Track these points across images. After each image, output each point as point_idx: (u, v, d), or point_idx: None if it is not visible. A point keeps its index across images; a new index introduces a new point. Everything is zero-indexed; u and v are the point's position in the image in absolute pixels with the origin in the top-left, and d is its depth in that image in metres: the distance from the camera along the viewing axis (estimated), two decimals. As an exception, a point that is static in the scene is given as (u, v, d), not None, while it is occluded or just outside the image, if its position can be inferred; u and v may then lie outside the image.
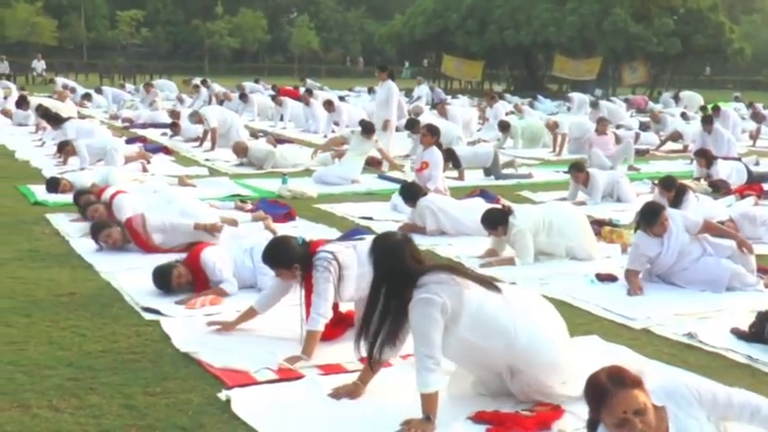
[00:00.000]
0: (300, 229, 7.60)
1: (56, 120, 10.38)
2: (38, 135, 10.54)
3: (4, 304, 5.19)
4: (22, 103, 16.13)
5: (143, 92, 23.55)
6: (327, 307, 4.36)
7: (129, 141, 13.98)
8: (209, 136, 13.58)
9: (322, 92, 25.77)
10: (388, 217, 8.25)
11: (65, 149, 11.17)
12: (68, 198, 8.63)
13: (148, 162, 11.35)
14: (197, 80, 26.57)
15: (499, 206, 6.97)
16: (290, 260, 4.45)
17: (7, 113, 16.02)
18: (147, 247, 6.47)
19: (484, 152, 11.59)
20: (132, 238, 6.54)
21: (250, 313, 4.70)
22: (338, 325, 4.64)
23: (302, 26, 62.44)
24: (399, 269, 3.55)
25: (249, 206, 8.30)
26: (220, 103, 20.92)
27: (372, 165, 11.42)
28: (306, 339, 4.32)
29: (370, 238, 4.90)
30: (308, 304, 4.45)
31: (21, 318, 4.92)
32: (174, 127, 15.22)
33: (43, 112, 10.60)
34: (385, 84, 11.78)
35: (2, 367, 4.15)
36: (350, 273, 4.48)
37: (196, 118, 14.37)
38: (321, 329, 4.32)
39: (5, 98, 21.16)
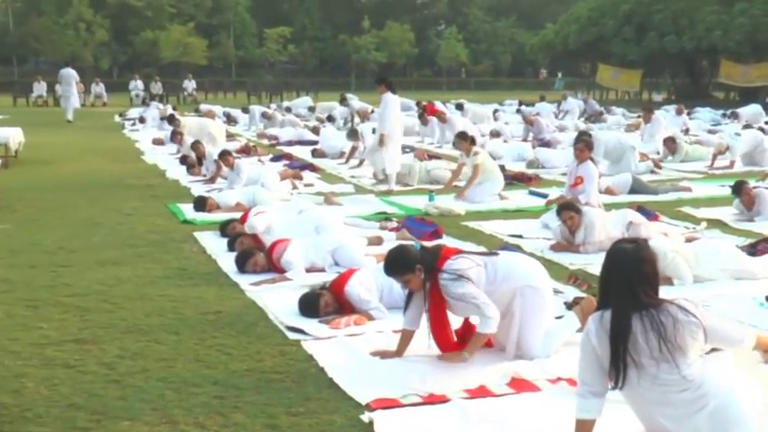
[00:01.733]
0: (447, 248, 7.64)
1: (230, 160, 10.87)
2: (212, 184, 11.18)
3: (154, 321, 5.48)
4: (172, 127, 16.87)
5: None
6: (493, 308, 4.44)
7: (274, 159, 14.50)
8: (356, 152, 13.89)
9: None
10: (539, 235, 8.13)
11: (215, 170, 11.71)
12: (215, 217, 9.06)
13: (300, 179, 11.73)
14: (351, 95, 27.18)
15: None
16: (412, 261, 4.53)
17: (159, 142, 16.87)
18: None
19: (622, 181, 11.10)
20: (272, 266, 6.72)
21: (407, 335, 4.73)
22: (462, 341, 4.67)
23: (450, 38, 62.82)
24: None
25: (394, 224, 8.40)
26: (362, 120, 21.34)
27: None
28: (474, 340, 4.46)
29: (503, 255, 4.87)
30: (434, 314, 4.54)
31: (170, 335, 5.18)
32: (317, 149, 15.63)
33: (222, 155, 11.24)
34: (384, 97, 11.52)
35: (152, 384, 4.37)
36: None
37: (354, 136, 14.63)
38: (494, 331, 4.46)
39: (162, 119, 22.39)
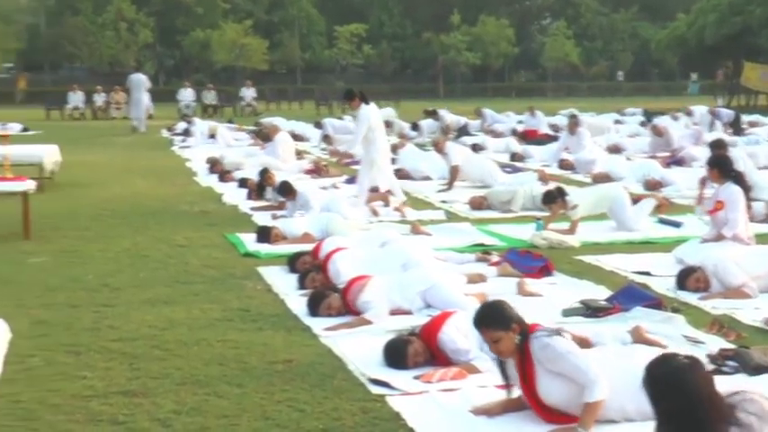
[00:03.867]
0: (560, 286, 7.64)
1: (291, 192, 11.09)
2: (277, 213, 11.42)
3: (214, 371, 5.61)
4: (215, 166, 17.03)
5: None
6: (596, 369, 4.47)
7: (349, 181, 14.67)
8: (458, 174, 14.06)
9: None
10: (671, 272, 8.04)
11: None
12: (281, 249, 9.23)
13: (386, 204, 11.87)
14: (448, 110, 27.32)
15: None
16: (510, 318, 4.58)
17: (221, 172, 16.87)
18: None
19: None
20: (347, 309, 6.81)
21: (513, 402, 4.80)
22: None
23: (558, 34, 62.72)
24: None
25: (494, 258, 8.42)
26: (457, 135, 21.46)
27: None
28: (588, 412, 4.43)
29: (607, 329, 4.89)
30: (530, 382, 4.57)
31: (232, 388, 5.30)
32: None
33: (281, 188, 11.48)
34: (359, 111, 11.93)
35: (213, 444, 4.49)
36: None
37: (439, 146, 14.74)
38: (605, 396, 4.45)
39: (212, 136, 22.90)
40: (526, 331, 4.59)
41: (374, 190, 12.18)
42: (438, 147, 14.71)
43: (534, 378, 4.59)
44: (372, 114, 12.07)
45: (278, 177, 13.09)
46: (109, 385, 5.39)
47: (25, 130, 27.20)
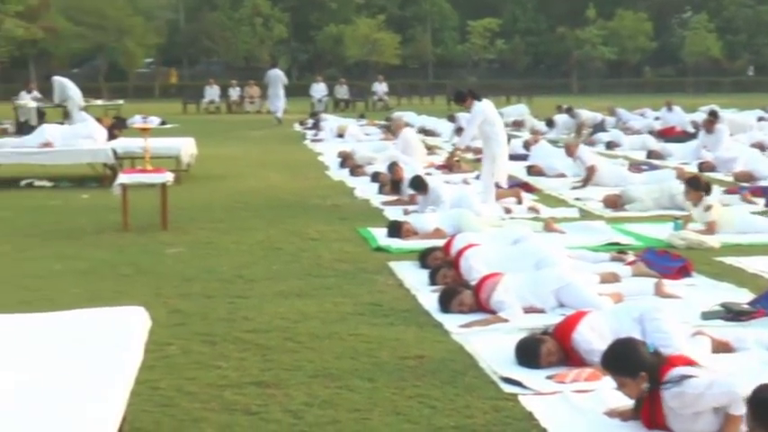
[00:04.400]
0: (699, 288, 7.44)
1: (423, 186, 11.16)
2: (409, 208, 11.51)
3: (345, 365, 5.67)
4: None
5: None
6: (740, 380, 4.33)
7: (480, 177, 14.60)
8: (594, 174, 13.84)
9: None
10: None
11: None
12: (412, 244, 9.26)
13: (520, 202, 11.80)
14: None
15: None
16: (637, 365, 4.45)
17: (352, 167, 16.93)
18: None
19: None
20: (479, 306, 6.78)
21: None
22: None
23: (698, 28, 61.08)
24: None
25: (630, 258, 8.26)
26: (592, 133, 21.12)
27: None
28: (733, 423, 4.25)
29: (749, 334, 4.72)
30: (653, 421, 4.45)
31: (364, 382, 5.35)
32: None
33: (414, 182, 11.56)
34: (472, 109, 11.94)
35: (344, 438, 4.53)
36: None
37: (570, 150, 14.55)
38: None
39: (340, 135, 23.09)
40: (656, 379, 4.41)
41: (497, 186, 12.14)
42: (569, 150, 14.48)
43: (664, 419, 4.44)
44: (487, 110, 12.07)
45: (406, 172, 13.17)
46: (242, 375, 5.50)
47: (163, 123, 28.08)
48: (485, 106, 12.09)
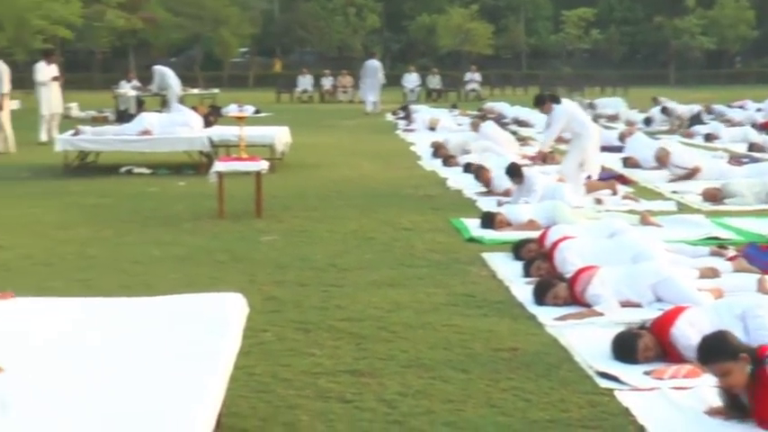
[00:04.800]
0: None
1: (519, 174, 11.08)
2: (502, 199, 11.39)
3: (439, 356, 5.67)
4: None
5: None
6: None
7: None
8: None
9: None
10: None
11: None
12: (505, 235, 9.21)
13: (614, 193, 11.65)
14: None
15: None
16: (736, 348, 4.38)
17: (445, 157, 16.85)
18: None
19: None
20: (574, 299, 6.71)
21: None
22: None
23: (803, 17, 59.35)
24: None
25: (731, 253, 8.08)
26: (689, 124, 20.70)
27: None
28: None
29: None
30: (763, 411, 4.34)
31: (457, 373, 5.34)
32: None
33: (510, 170, 11.51)
34: (552, 113, 11.98)
35: (439, 428, 4.53)
36: None
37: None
38: None
39: (432, 129, 22.99)
40: (757, 358, 4.34)
41: (588, 178, 12.02)
42: (661, 161, 14.02)
43: None
44: (569, 109, 12.20)
45: (497, 164, 13.10)
46: (337, 364, 5.54)
47: (257, 112, 28.39)
48: (566, 107, 12.16)
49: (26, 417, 3.05)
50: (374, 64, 32.00)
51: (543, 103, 12.15)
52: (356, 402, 4.89)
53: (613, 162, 15.38)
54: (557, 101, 12.08)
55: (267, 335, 6.07)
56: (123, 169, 15.09)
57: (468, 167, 14.08)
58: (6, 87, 18.47)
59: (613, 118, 25.83)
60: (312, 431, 4.52)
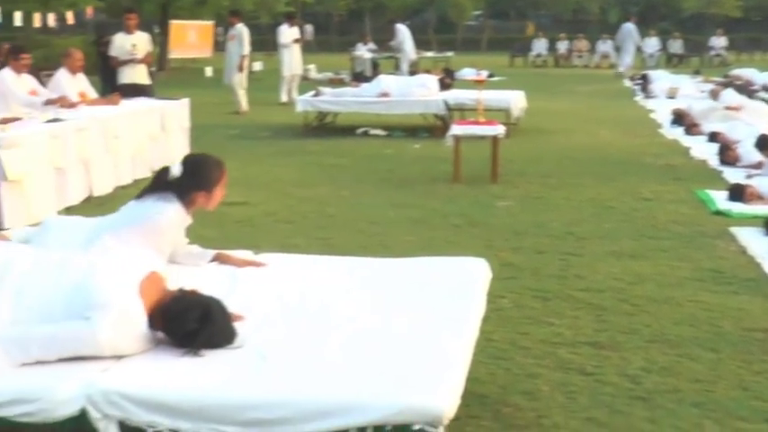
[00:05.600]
0: None
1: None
2: (753, 171, 10.76)
3: (685, 332, 5.46)
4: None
5: None
6: None
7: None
8: None
9: None
10: None
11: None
12: (756, 209, 8.76)
13: None
14: None
15: None
16: None
17: (688, 125, 16.10)
18: None
19: None
20: None
21: None
22: None
23: None
24: None
25: None
26: None
27: None
28: None
29: None
30: None
31: (705, 352, 5.12)
32: None
33: (760, 142, 10.89)
34: None
35: (686, 408, 4.36)
36: None
37: None
38: None
39: (671, 97, 22.09)
40: None
41: None
42: None
43: None
44: None
45: (746, 133, 12.46)
46: (576, 335, 5.44)
47: (491, 76, 28.27)
48: None
49: (281, 369, 3.14)
50: (629, 27, 31.74)
51: None
52: (597, 375, 4.78)
53: None
54: None
55: (504, 301, 6.04)
56: (360, 131, 15.40)
57: (713, 137, 13.48)
58: (246, 49, 19.18)
59: None
60: (552, 402, 4.45)
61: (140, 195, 4.34)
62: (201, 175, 4.31)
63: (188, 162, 4.32)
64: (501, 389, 4.61)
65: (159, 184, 4.28)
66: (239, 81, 19.22)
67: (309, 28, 51.42)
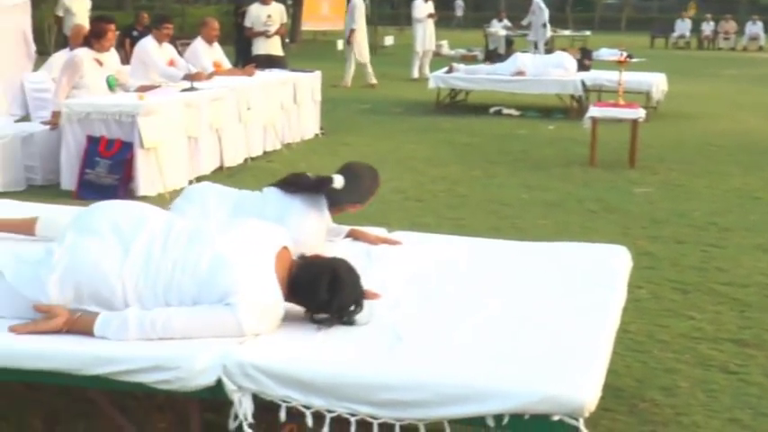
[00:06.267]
0: None
1: None
2: None
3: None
4: None
5: None
6: None
7: None
8: None
9: None
10: None
11: None
12: None
13: None
14: None
15: None
16: None
17: None
18: None
19: None
20: None
21: None
22: None
23: None
24: None
25: None
26: None
27: None
28: None
29: None
30: None
31: None
32: None
33: None
34: None
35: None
36: None
37: None
38: None
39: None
40: None
41: None
42: None
43: None
44: None
45: None
46: (718, 330, 5.28)
47: (630, 57, 27.64)
48: None
49: (417, 350, 3.12)
50: None
51: None
52: (741, 374, 4.63)
53: None
54: None
55: (642, 292, 5.90)
56: (493, 109, 15.29)
57: None
58: (357, 23, 19.17)
59: None
60: (692, 399, 4.32)
61: (289, 185, 4.20)
62: (360, 191, 4.25)
63: (349, 175, 4.22)
64: (638, 382, 4.51)
65: (316, 188, 4.17)
66: (351, 54, 19.32)
67: (460, 2, 51.25)
